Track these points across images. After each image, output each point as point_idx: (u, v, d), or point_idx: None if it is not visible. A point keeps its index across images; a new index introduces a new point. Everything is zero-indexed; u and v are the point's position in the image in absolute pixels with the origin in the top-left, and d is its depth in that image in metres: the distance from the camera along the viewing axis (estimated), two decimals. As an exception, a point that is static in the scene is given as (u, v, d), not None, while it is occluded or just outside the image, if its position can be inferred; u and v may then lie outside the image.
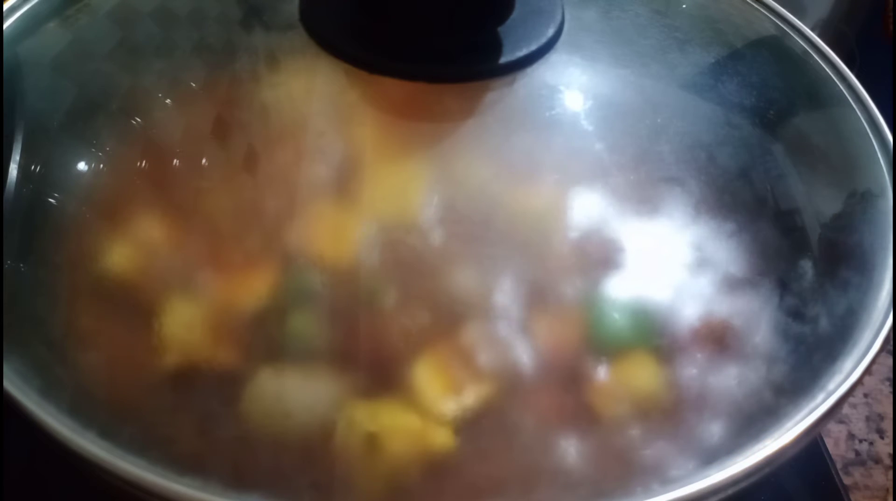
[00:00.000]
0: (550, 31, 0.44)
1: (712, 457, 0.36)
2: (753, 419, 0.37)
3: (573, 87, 0.46)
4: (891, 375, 0.54)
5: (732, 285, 0.43)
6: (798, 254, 0.42)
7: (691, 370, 0.39)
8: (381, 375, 0.37)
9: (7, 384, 0.29)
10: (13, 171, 0.39)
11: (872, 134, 0.39)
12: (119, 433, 0.34)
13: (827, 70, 0.43)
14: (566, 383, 0.37)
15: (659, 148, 0.49)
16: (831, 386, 0.31)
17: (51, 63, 0.42)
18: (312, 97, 0.48)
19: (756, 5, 0.46)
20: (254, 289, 0.39)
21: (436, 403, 0.35)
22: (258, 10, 0.49)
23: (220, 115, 0.48)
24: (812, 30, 0.45)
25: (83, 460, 0.27)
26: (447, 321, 0.38)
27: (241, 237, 0.41)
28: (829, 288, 0.39)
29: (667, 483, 0.35)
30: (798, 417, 0.32)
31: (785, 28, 0.45)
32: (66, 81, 0.42)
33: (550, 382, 0.37)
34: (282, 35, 0.50)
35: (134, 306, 0.38)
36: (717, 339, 0.40)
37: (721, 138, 0.49)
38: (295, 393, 0.34)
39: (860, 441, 0.52)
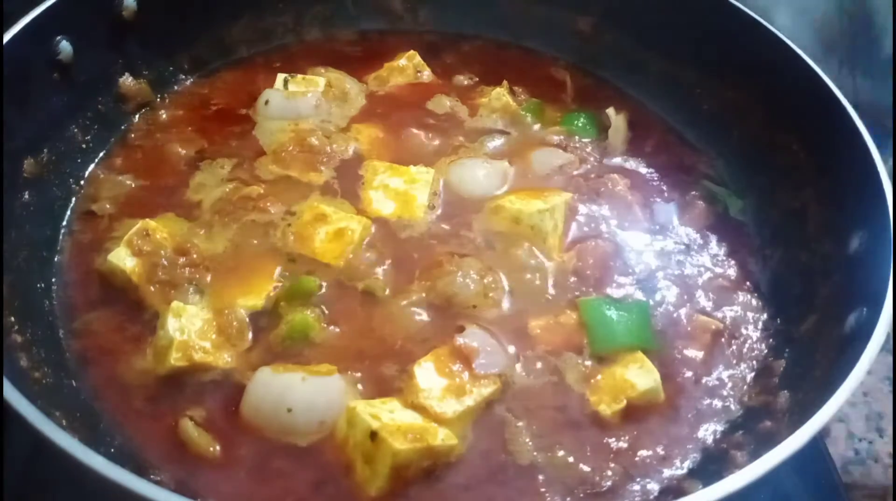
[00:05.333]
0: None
1: (712, 456, 0.36)
2: (754, 418, 0.37)
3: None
4: (891, 374, 0.54)
5: (732, 286, 0.43)
6: (798, 254, 0.42)
7: (689, 371, 0.39)
8: (382, 374, 0.37)
9: (7, 385, 0.29)
10: (15, 169, 0.40)
11: (872, 134, 0.40)
12: (117, 436, 0.34)
13: (825, 78, 0.43)
14: (565, 382, 0.37)
15: (658, 151, 0.49)
16: (831, 386, 0.31)
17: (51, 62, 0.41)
18: (311, 96, 0.48)
19: (754, 14, 0.46)
20: (254, 289, 0.39)
21: (436, 402, 0.35)
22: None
23: (218, 113, 0.48)
24: (812, 33, 0.45)
25: (82, 466, 0.27)
26: (447, 320, 0.38)
27: (241, 237, 0.41)
28: (828, 289, 0.39)
29: (667, 482, 0.35)
30: (798, 417, 0.32)
31: (779, 35, 0.45)
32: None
33: (549, 381, 0.37)
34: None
35: (135, 307, 0.38)
36: (716, 339, 0.40)
37: (721, 138, 0.49)
38: (296, 393, 0.34)
39: (860, 440, 0.52)
